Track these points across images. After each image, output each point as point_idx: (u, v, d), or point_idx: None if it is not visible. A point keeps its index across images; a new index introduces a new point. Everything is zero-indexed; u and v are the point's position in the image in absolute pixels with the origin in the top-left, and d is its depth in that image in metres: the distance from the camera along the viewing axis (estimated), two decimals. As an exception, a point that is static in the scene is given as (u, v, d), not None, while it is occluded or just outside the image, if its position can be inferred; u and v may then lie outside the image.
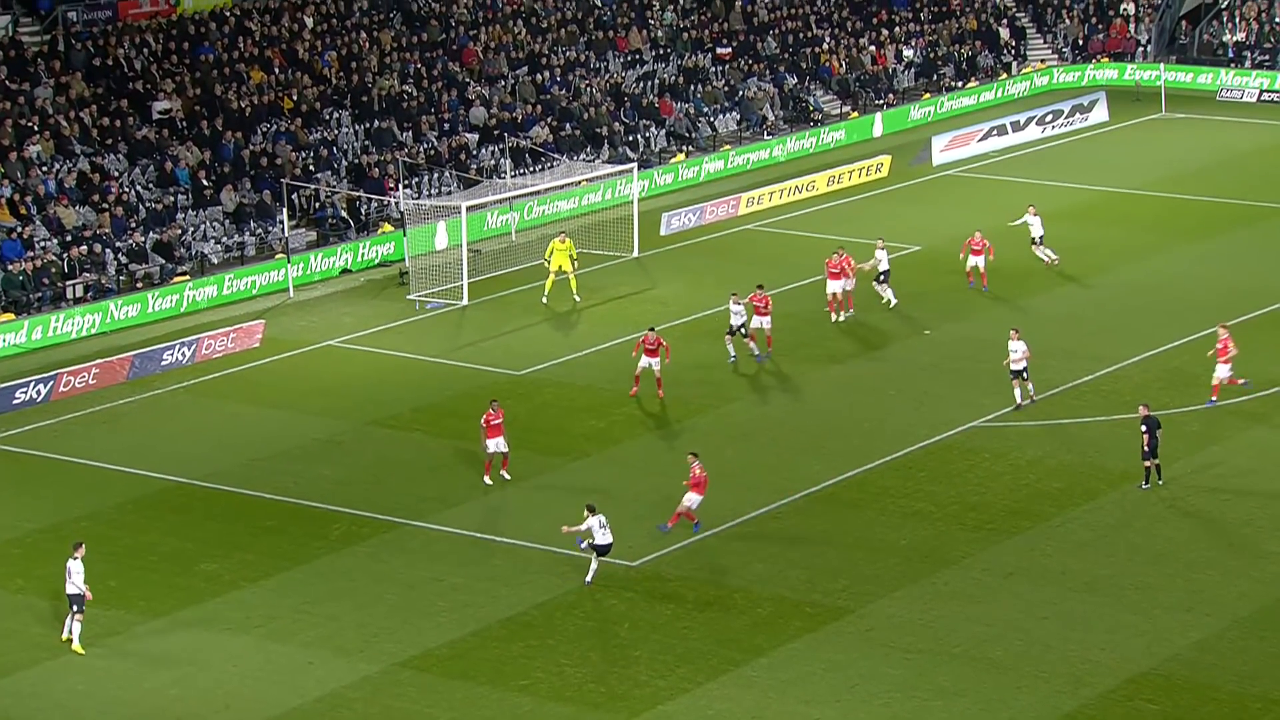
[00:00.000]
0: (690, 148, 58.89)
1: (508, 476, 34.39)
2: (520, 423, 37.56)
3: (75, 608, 28.38)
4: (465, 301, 45.24)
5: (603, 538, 29.88)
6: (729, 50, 63.56)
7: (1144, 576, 30.21)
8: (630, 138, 57.98)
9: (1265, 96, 64.22)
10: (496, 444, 34.13)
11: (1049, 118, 61.07)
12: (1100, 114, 62.02)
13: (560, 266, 44.42)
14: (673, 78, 61.59)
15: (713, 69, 62.86)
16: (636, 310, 44.43)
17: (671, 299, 45.26)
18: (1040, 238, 45.56)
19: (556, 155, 54.56)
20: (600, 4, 63.69)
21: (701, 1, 66.21)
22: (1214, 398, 36.51)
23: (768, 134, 60.49)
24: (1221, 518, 32.27)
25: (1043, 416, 36.81)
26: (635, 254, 48.65)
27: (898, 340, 41.28)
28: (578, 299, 44.44)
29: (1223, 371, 36.43)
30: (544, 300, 44.34)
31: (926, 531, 32.15)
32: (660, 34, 63.42)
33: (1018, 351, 36.67)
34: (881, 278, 43.25)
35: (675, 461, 35.41)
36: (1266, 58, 66.23)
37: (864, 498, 33.63)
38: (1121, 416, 36.67)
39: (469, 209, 46.95)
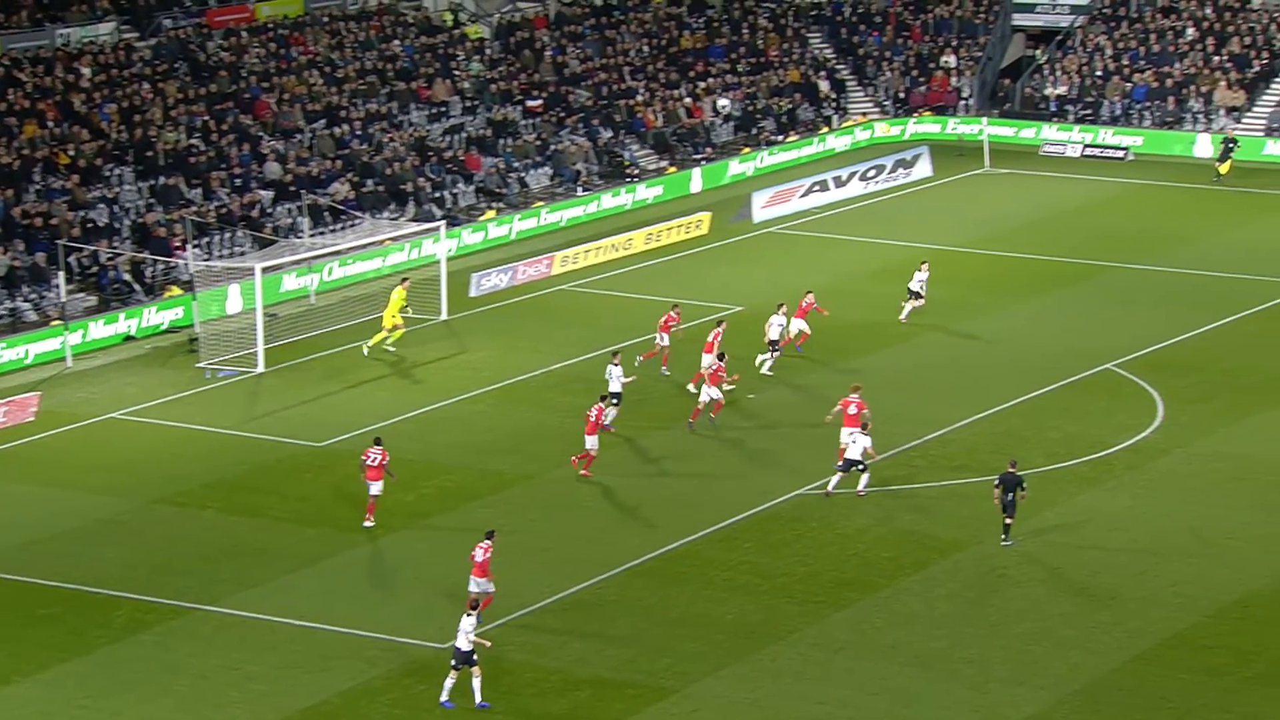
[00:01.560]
0: (500, 204, 58.94)
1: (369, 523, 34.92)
2: (321, 497, 37.05)
3: None
4: (261, 369, 44.60)
5: (463, 643, 29.07)
6: (539, 102, 63.87)
7: (976, 649, 30.70)
8: (437, 194, 57.87)
9: (1088, 151, 66.35)
10: (378, 486, 34.35)
11: (872, 173, 62.35)
12: (924, 169, 63.49)
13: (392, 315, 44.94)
14: (480, 131, 61.67)
15: (523, 122, 63.10)
16: (446, 376, 44.21)
17: (483, 364, 45.13)
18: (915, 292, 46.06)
19: (358, 213, 54.20)
20: (402, 53, 63.63)
21: (509, 51, 66.51)
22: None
23: (582, 190, 60.82)
24: (1054, 587, 32.96)
25: (871, 483, 37.31)
26: (444, 316, 48.46)
27: (723, 404, 41.60)
28: (366, 351, 44.71)
29: None
30: (390, 346, 44.75)
31: (752, 605, 32.33)
32: (467, 85, 63.52)
33: (856, 442, 36.42)
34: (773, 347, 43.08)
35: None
36: (1088, 112, 68.49)
37: (687, 571, 33.73)
38: (951, 482, 37.34)
39: (264, 270, 46.38)
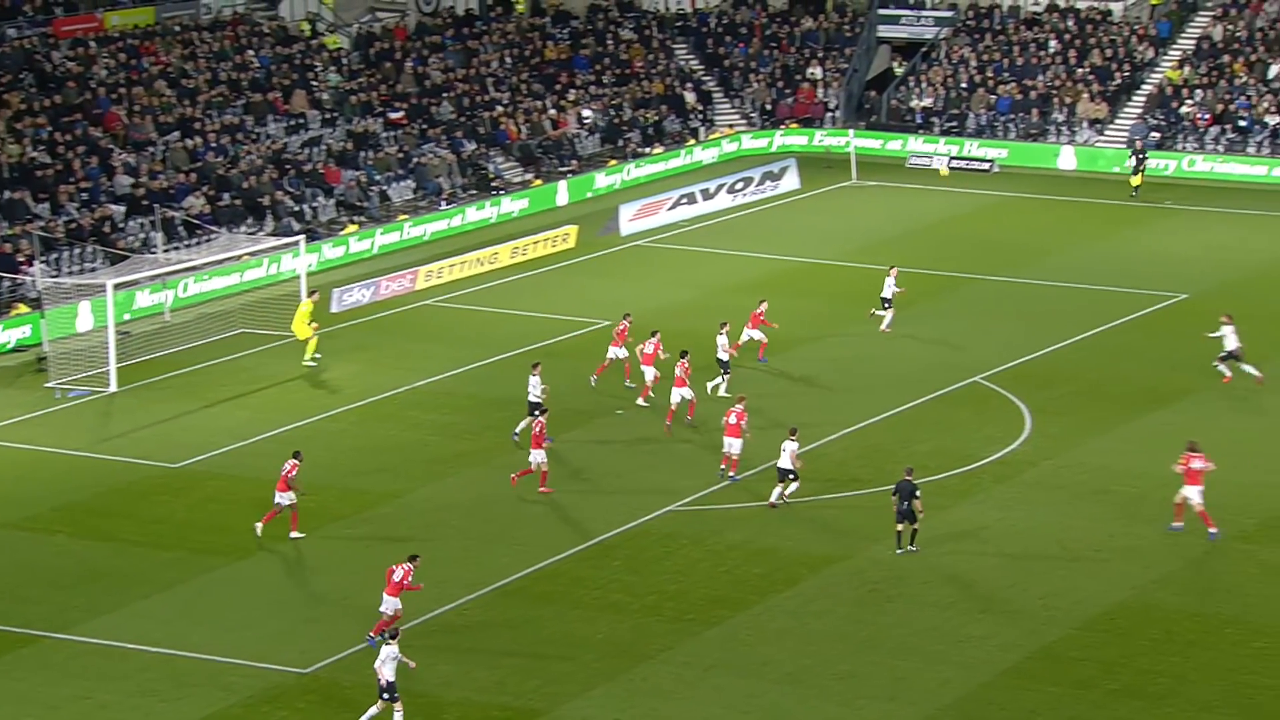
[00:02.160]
0: (362, 218, 58.61)
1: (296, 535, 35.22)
2: (177, 520, 36.60)
3: None
4: (113, 388, 43.97)
5: (388, 672, 28.82)
6: (401, 114, 63.62)
7: (847, 665, 31.01)
8: (296, 208, 57.41)
9: (954, 163, 67.37)
10: (285, 497, 34.97)
11: (739, 185, 62.84)
12: (791, 181, 64.10)
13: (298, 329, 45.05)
14: (340, 143, 61.29)
15: (384, 134, 62.80)
16: (306, 394, 43.86)
17: (346, 381, 44.83)
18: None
19: (214, 227, 53.62)
20: (257, 64, 63.06)
21: (369, 62, 66.18)
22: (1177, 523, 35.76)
23: (445, 203, 60.66)
24: (924, 601, 33.38)
25: (743, 499, 37.57)
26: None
27: (591, 420, 41.67)
28: (311, 363, 45.02)
29: (1187, 492, 35.22)
30: (312, 361, 44.95)
31: (623, 624, 32.40)
32: (325, 97, 63.10)
33: (786, 450, 36.72)
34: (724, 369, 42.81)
35: (352, 557, 34.96)
36: (954, 124, 69.56)
37: (556, 590, 33.74)
38: (822, 497, 37.69)
39: (116, 287, 45.73)
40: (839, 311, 50.03)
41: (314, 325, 45.83)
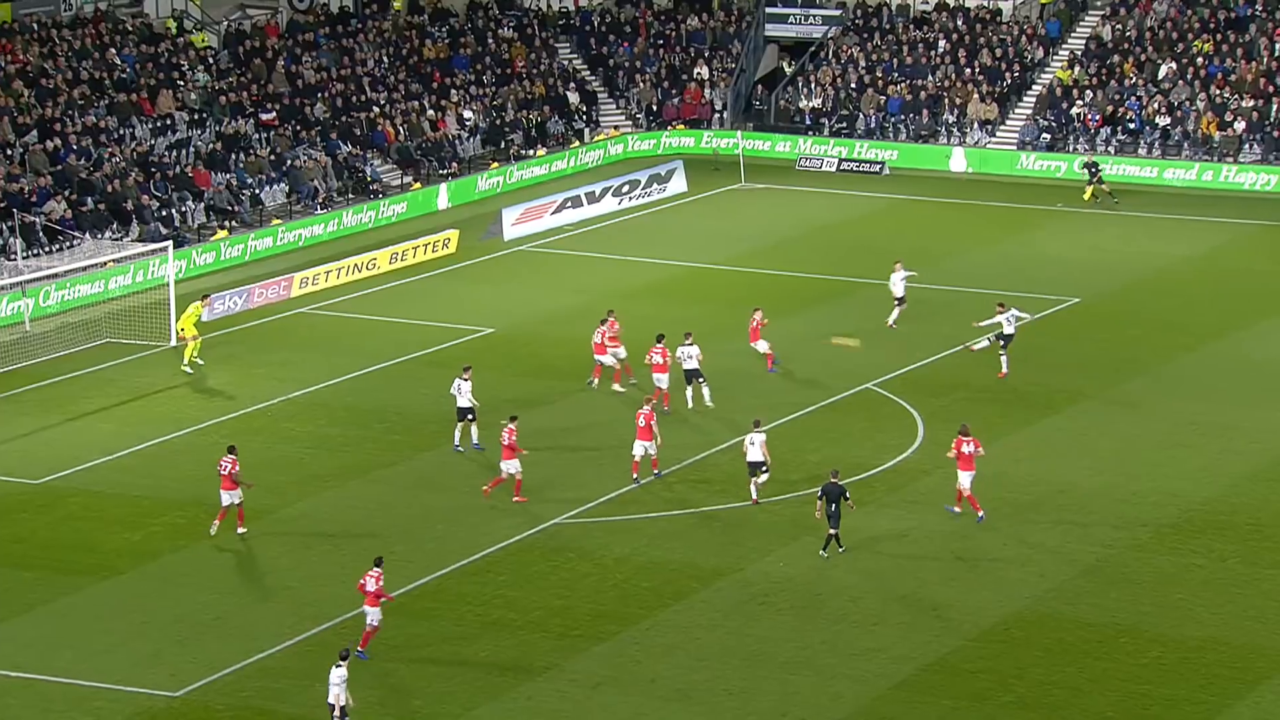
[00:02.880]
0: (233, 223, 58.02)
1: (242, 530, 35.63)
2: (39, 539, 36.02)
3: None
4: (-29, 402, 43.21)
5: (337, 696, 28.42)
6: (273, 115, 63.07)
7: (738, 680, 31.07)
8: (164, 213, 56.71)
9: (844, 166, 67.87)
10: (232, 496, 35.45)
11: (626, 188, 62.91)
12: (679, 184, 64.27)
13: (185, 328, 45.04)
14: (210, 145, 60.64)
15: (256, 136, 62.22)
16: (175, 406, 43.34)
17: (217, 393, 44.33)
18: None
19: (77, 234, 52.85)
20: (121, 63, 62.25)
21: (238, 61, 65.54)
22: (955, 508, 37.14)
23: (321, 207, 60.20)
24: (815, 613, 33.53)
25: (631, 510, 37.57)
26: (173, 343, 47.48)
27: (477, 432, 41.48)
28: (189, 369, 45.03)
29: (962, 478, 36.77)
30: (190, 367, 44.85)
31: (508, 642, 32.29)
32: (194, 97, 62.41)
33: (755, 443, 37.35)
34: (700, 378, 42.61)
35: (224, 576, 34.56)
36: (844, 126, 70.08)
37: (438, 607, 33.54)
38: (711, 508, 37.76)
39: (-26, 295, 44.96)
40: (725, 318, 50.19)
41: (194, 334, 45.32)
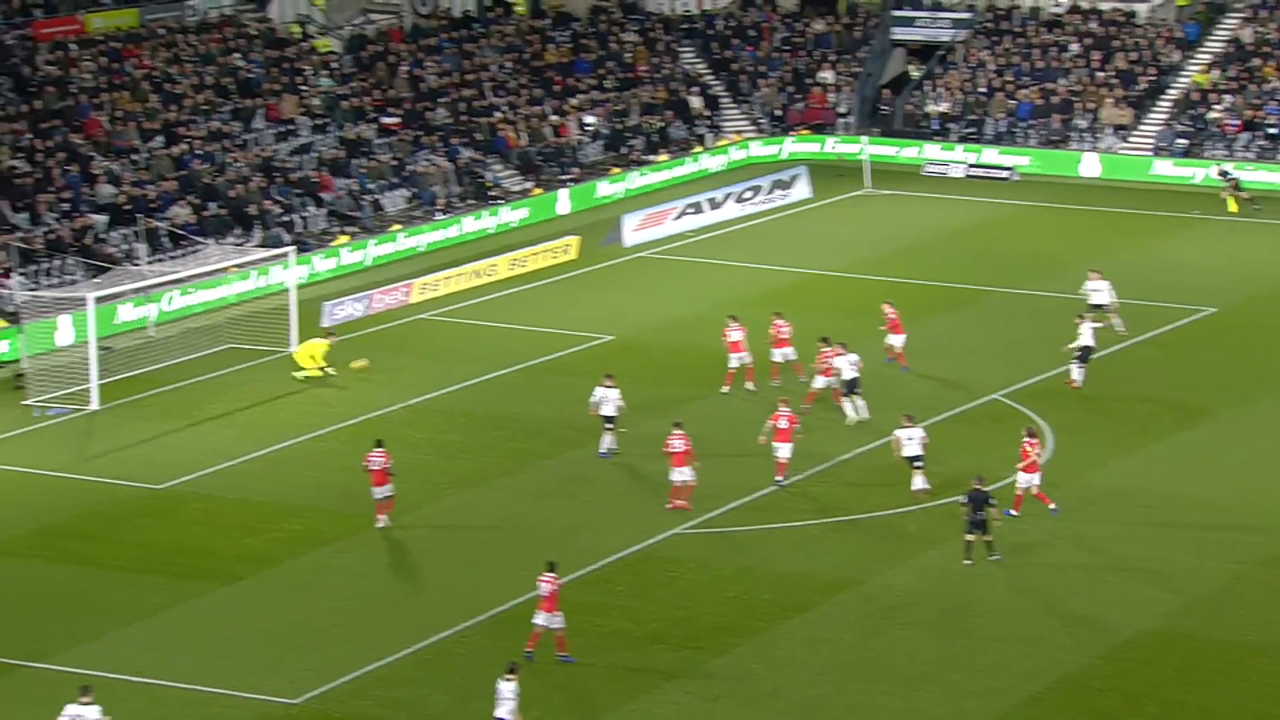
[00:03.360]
0: (354, 229, 58.71)
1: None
2: (162, 544, 36.65)
3: None
4: (95, 406, 44.03)
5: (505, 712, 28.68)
6: (396, 120, 63.73)
7: (860, 695, 30.98)
8: (285, 218, 57.51)
9: (971, 172, 67.42)
10: (384, 490, 36.34)
11: (748, 194, 62.91)
12: (802, 190, 64.17)
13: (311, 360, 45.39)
14: (332, 150, 61.42)
15: (377, 141, 62.92)
16: (295, 412, 43.91)
17: (336, 399, 44.87)
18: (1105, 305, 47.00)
19: (200, 238, 53.73)
20: (246, 67, 63.21)
21: (362, 66, 66.31)
22: (1014, 510, 37.38)
23: (441, 213, 60.76)
24: (940, 628, 33.36)
25: (751, 521, 37.58)
26: (293, 348, 48.10)
27: (592, 439, 41.68)
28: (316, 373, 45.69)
29: (1025, 480, 37.23)
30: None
31: (625, 653, 32.40)
32: (317, 102, 63.23)
33: (914, 438, 38.21)
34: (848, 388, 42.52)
35: (344, 583, 35.00)
36: (972, 130, 69.62)
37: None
38: (833, 519, 37.67)
39: (98, 300, 45.81)
40: (851, 326, 50.01)
41: (326, 367, 45.72)
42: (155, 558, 35.98)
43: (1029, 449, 37.26)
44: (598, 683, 31.34)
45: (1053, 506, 37.29)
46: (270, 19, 67.45)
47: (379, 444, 37.01)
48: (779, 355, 44.70)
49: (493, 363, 47.00)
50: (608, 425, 40.42)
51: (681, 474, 37.63)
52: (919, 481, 38.18)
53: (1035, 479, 37.25)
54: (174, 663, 31.78)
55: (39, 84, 58.26)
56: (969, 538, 35.25)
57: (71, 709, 27.97)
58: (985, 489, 35.34)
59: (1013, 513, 37.15)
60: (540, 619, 31.50)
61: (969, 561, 35.21)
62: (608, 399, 40.42)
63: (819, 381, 42.94)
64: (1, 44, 59.08)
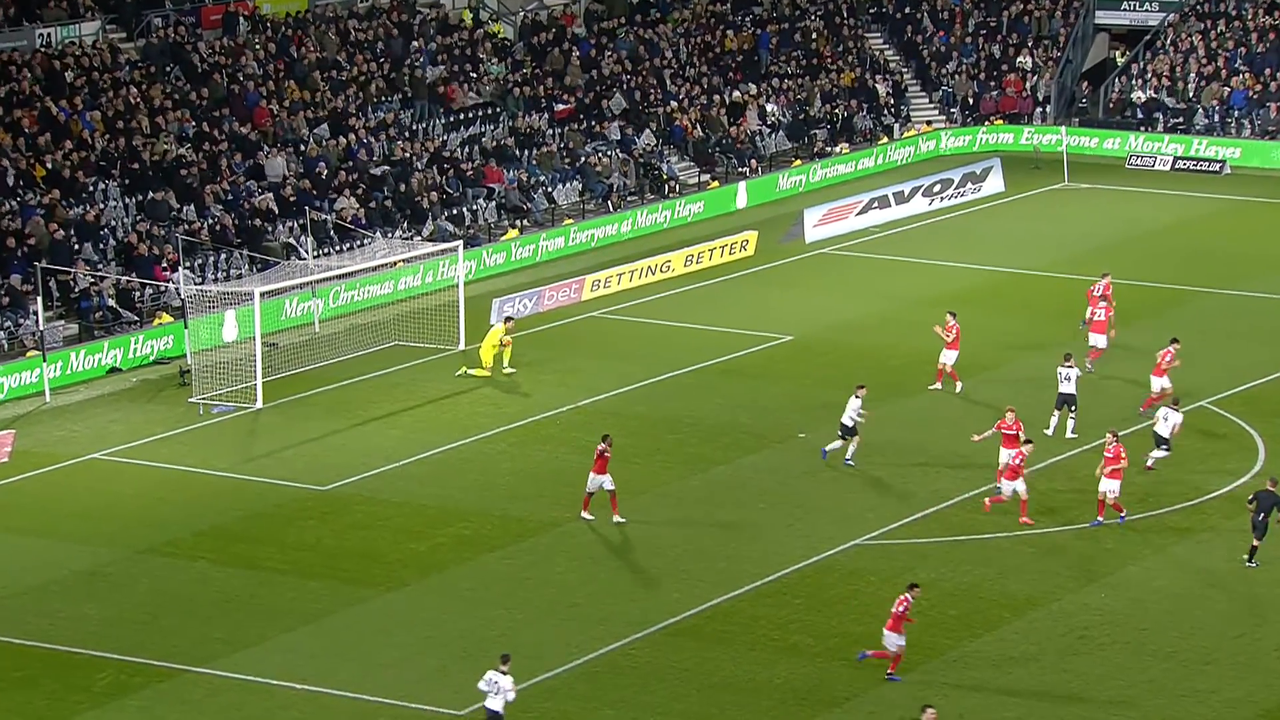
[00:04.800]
0: (525, 222, 59.22)
1: (619, 519, 37.21)
2: (325, 547, 37.25)
3: None
4: (259, 404, 44.86)
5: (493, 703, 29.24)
6: (568, 108, 64.17)
7: None
8: (454, 210, 58.18)
9: (1179, 165, 66.32)
10: (599, 481, 37.30)
11: (937, 188, 62.45)
12: (995, 184, 63.56)
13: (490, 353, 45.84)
14: (502, 140, 62.00)
15: (549, 130, 63.40)
16: (462, 413, 44.40)
17: (505, 399, 45.29)
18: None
19: (367, 231, 54.53)
20: (416, 54, 64.01)
21: (534, 52, 66.87)
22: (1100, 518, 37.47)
23: (615, 206, 61.06)
24: (1141, 650, 32.88)
25: (937, 532, 37.33)
26: (461, 347, 48.65)
27: (769, 444, 41.66)
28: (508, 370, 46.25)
29: (1106, 486, 37.37)
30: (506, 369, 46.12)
31: (804, 669, 32.35)
32: (489, 90, 63.85)
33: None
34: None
35: (511, 591, 35.33)
36: (1180, 121, 68.46)
37: (731, 630, 33.76)
38: (1025, 533, 37.30)
39: (263, 295, 46.68)
40: (1045, 327, 49.45)
41: (500, 357, 46.17)
42: (318, 561, 36.58)
43: (1112, 452, 37.26)
44: (775, 700, 31.30)
45: (1123, 515, 37.29)
46: (443, 4, 68.24)
47: (605, 438, 37.79)
48: (946, 358, 44.02)
49: (667, 363, 47.14)
50: (843, 436, 40.05)
51: (1013, 486, 37.33)
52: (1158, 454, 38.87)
53: (1115, 486, 37.16)
54: (337, 670, 32.28)
55: (207, 72, 59.38)
56: (1255, 542, 35.26)
57: (491, 675, 29.10)
58: (1278, 492, 35.27)
59: (1100, 520, 37.24)
60: (888, 641, 31.59)
61: (1253, 563, 35.40)
62: (853, 408, 40.05)
63: (1156, 385, 42.27)
64: (169, 31, 60.32)
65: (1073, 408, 41.79)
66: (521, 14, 69.23)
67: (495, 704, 29.12)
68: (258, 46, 61.24)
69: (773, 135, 67.10)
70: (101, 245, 51.29)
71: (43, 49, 57.44)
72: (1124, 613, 34.11)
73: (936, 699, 31.25)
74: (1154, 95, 69.26)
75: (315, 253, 52.91)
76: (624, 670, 32.36)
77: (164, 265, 50.81)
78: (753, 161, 65.44)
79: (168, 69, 58.85)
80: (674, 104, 66.05)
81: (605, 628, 33.57)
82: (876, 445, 40.85)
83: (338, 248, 53.84)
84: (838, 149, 66.84)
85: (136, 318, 49.44)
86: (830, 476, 39.85)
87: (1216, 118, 68.13)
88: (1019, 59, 71.71)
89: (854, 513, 38.27)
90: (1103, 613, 34.10)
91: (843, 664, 32.39)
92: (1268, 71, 68.56)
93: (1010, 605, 34.37)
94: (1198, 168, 66.08)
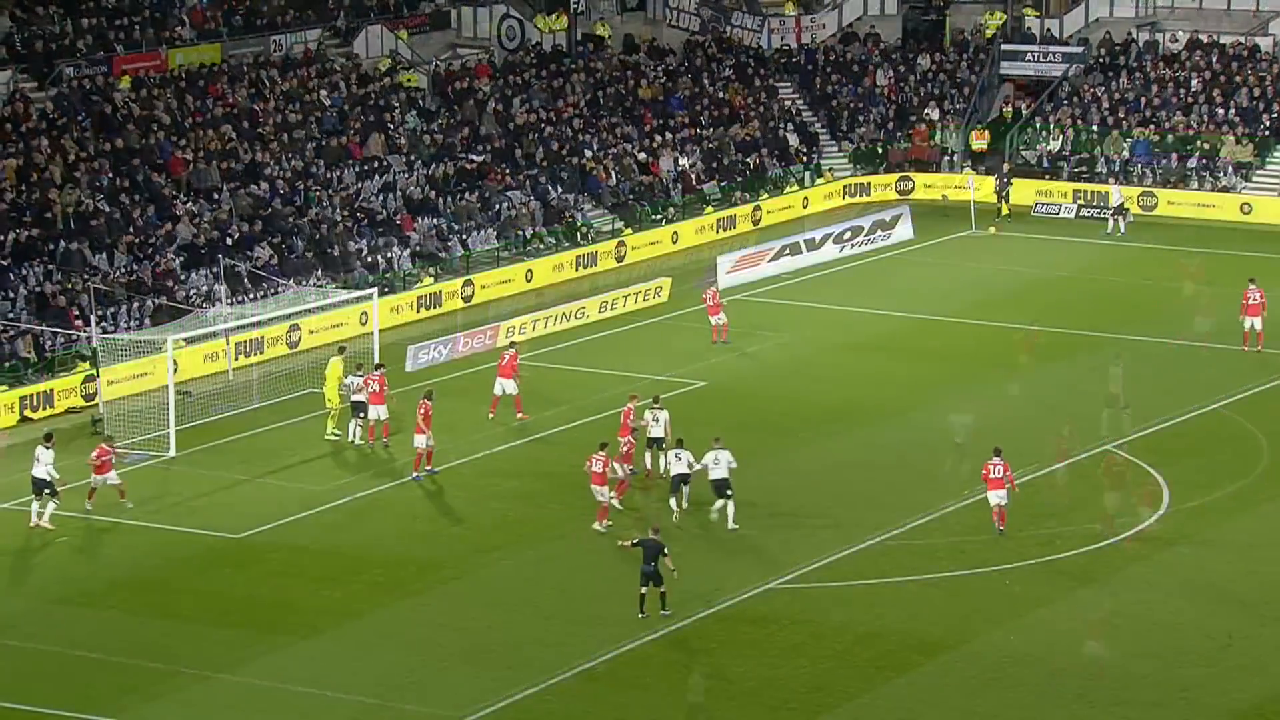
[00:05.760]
0: (439, 270, 59.12)
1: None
2: (238, 595, 36.92)
3: None
4: (173, 452, 44.50)
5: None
6: (483, 158, 64.19)
7: (965, 759, 30.77)
8: (369, 259, 58.00)
9: (1084, 211, 67.02)
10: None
11: (847, 235, 62.82)
12: (904, 231, 64.00)
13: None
14: (418, 190, 61.91)
15: (463, 182, 63.32)
16: (378, 461, 44.16)
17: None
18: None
19: (282, 280, 54.26)
20: (329, 105, 63.87)
21: (449, 103, 66.85)
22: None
23: (529, 254, 61.06)
24: (1052, 692, 33.00)
25: (849, 576, 37.40)
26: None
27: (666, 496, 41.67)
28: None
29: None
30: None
31: (718, 715, 32.26)
32: (402, 140, 63.78)
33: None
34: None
35: (425, 635, 35.11)
36: (1083, 169, 69.22)
37: (642, 677, 33.67)
38: (937, 575, 37.42)
39: (176, 344, 46.31)
40: (957, 373, 49.76)
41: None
42: (233, 609, 36.24)
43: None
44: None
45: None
46: (356, 54, 68.12)
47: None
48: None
49: (583, 409, 47.05)
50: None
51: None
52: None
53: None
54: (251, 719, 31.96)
55: (120, 122, 58.99)
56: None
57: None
58: None
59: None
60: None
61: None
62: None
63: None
64: (82, 80, 59.89)
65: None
66: (434, 63, 69.21)
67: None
68: (169, 97, 60.91)
69: (684, 184, 67.27)
70: (11, 295, 50.77)
71: (-50, 99, 56.97)
72: (1035, 655, 34.22)
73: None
74: (1058, 147, 69.98)
75: (230, 301, 52.57)
76: (539, 716, 32.20)
77: (77, 314, 50.38)
78: (667, 210, 65.61)
79: (79, 119, 58.43)
80: (588, 153, 66.18)
81: (516, 673, 33.41)
82: (777, 489, 40.87)
83: (253, 296, 53.53)
84: (750, 197, 67.13)
85: (48, 367, 48.96)
86: (744, 518, 39.82)
87: (1119, 166, 68.91)
88: (926, 110, 72.34)
89: (770, 554, 38.28)
90: (1014, 654, 34.23)
91: (758, 707, 32.33)
92: (1167, 122, 69.45)
93: (921, 648, 34.43)
94: (1102, 214, 66.77)
